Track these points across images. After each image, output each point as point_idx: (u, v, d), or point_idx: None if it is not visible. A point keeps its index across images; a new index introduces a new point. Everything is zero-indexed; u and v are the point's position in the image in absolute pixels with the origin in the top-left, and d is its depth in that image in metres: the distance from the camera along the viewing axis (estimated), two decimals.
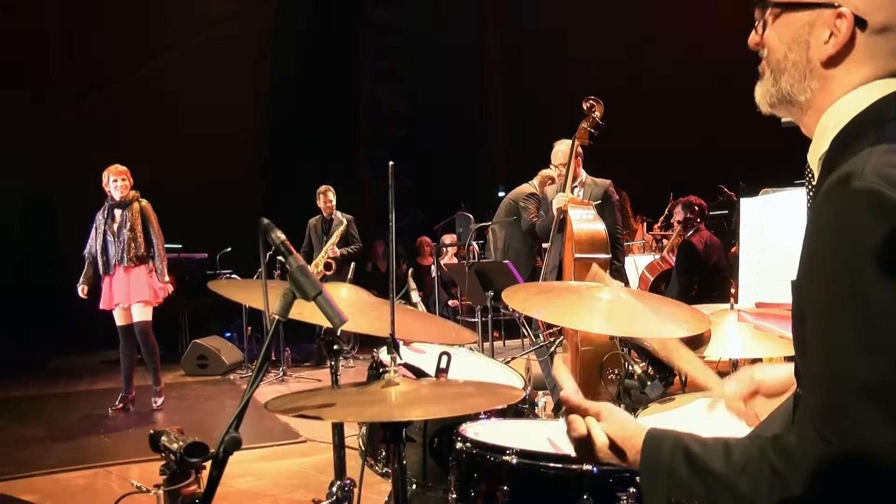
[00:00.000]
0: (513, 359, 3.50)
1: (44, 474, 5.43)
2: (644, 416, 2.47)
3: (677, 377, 2.82)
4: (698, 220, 7.42)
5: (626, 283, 6.68)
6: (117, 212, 7.15)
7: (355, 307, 2.59)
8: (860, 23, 1.28)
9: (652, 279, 8.32)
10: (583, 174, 6.09)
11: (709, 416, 2.38)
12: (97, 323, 8.33)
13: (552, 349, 5.18)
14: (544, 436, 2.23)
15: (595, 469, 1.87)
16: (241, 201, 12.14)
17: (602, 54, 13.09)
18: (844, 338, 1.14)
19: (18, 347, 10.93)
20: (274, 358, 8.75)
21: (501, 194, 9.40)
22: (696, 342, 2.76)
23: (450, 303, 11.38)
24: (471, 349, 3.38)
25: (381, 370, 2.15)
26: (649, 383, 2.52)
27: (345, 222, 9.39)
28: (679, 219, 7.61)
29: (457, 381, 2.43)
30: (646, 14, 13.01)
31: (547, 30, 14.24)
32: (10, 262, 12.35)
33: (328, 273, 9.05)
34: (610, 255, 5.54)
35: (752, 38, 1.43)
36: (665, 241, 9.59)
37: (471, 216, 10.47)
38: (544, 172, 7.37)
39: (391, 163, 2.11)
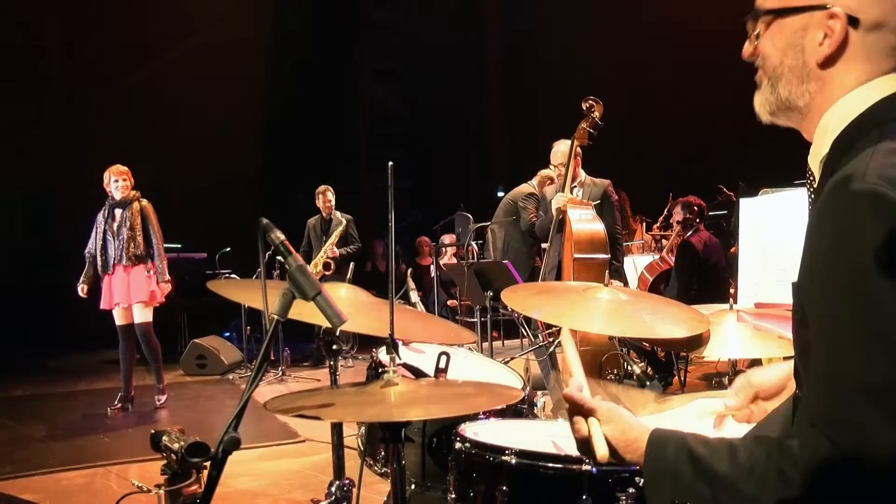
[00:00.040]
0: (512, 359, 3.50)
1: (43, 474, 5.43)
2: (642, 416, 2.47)
3: (676, 377, 2.82)
4: (697, 220, 7.41)
5: (626, 284, 6.70)
6: (117, 211, 7.17)
7: (354, 307, 2.59)
8: (853, 21, 1.28)
9: (651, 279, 8.31)
10: (582, 174, 6.09)
11: (707, 417, 2.39)
12: (96, 322, 8.32)
13: (551, 349, 5.19)
14: (543, 436, 2.23)
15: (594, 469, 1.87)
16: (241, 201, 12.14)
17: (602, 54, 13.09)
18: (847, 339, 1.14)
19: (18, 347, 10.92)
20: (273, 358, 8.75)
21: (501, 194, 9.40)
22: (695, 342, 2.76)
23: (449, 303, 11.37)
24: (470, 349, 3.38)
25: (380, 370, 2.15)
26: (648, 383, 2.52)
27: (344, 222, 9.39)
28: (678, 219, 7.60)
29: (456, 382, 2.43)
30: (646, 14, 13.00)
31: (547, 30, 14.25)
32: (11, 262, 12.36)
33: (327, 273, 9.05)
34: (609, 256, 5.54)
35: (747, 48, 1.44)
36: (664, 241, 9.59)
37: (470, 216, 10.47)
38: (543, 172, 7.37)
39: (390, 163, 2.11)
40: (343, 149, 15.40)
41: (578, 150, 5.92)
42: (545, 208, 6.28)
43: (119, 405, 7.30)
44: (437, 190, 14.78)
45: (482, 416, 2.41)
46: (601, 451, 1.39)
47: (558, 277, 5.75)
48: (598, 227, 5.56)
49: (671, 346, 4.50)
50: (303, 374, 9.04)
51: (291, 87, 14.30)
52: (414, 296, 5.46)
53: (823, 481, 1.15)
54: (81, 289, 7.28)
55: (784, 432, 1.26)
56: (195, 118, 12.15)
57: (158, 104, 12.47)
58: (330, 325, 1.75)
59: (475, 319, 7.87)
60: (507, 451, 1.98)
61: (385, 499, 2.77)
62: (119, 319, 7.20)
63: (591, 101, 5.76)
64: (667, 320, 2.64)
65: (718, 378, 7.16)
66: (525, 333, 6.74)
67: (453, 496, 2.12)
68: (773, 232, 3.98)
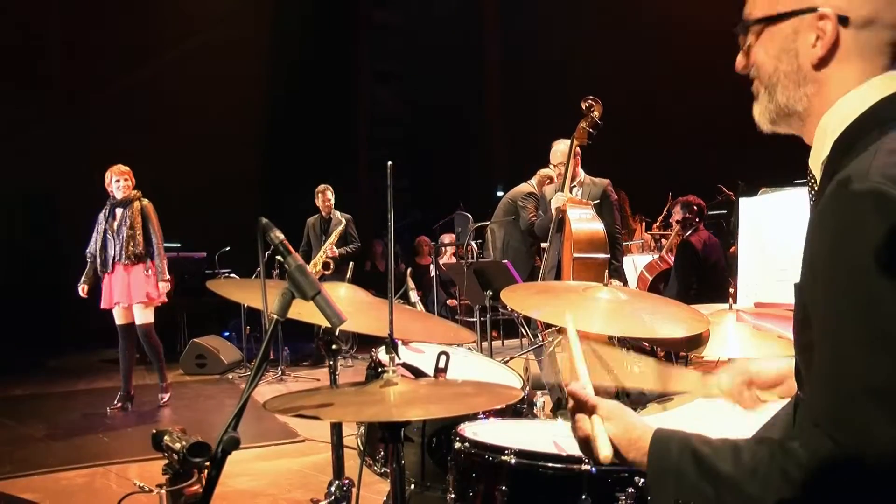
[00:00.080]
0: (511, 358, 3.51)
1: (43, 473, 5.43)
2: (643, 416, 2.47)
3: None
4: (697, 219, 7.41)
5: (625, 283, 6.69)
6: (118, 211, 7.19)
7: (354, 307, 2.59)
8: (843, 21, 1.29)
9: (651, 279, 8.31)
10: (581, 174, 6.09)
11: (708, 416, 2.39)
12: (96, 322, 8.33)
13: (550, 349, 5.19)
14: (543, 436, 2.23)
15: (594, 469, 1.87)
16: (240, 201, 12.13)
17: (602, 54, 13.09)
18: (850, 338, 1.14)
19: (18, 347, 10.92)
20: (272, 357, 8.74)
21: (500, 194, 9.40)
22: (694, 342, 2.76)
23: (448, 302, 11.37)
24: (469, 349, 3.38)
25: (379, 370, 2.14)
26: None
27: (343, 222, 9.39)
28: (678, 218, 7.60)
29: (455, 381, 2.43)
30: (645, 14, 13.00)
31: (547, 30, 14.25)
32: (11, 262, 12.35)
33: (327, 273, 9.05)
34: (608, 255, 5.54)
35: (740, 61, 1.44)
36: (664, 240, 9.59)
37: (469, 216, 10.46)
38: (543, 172, 7.37)
39: (389, 163, 2.11)
40: (343, 149, 15.40)
41: (577, 149, 5.93)
42: (545, 208, 6.28)
43: (119, 405, 7.30)
44: (437, 190, 14.78)
45: (482, 416, 2.41)
46: (605, 452, 1.39)
47: (558, 277, 5.75)
48: (597, 227, 5.55)
49: (671, 346, 4.49)
50: (302, 373, 9.04)
51: (291, 87, 14.29)
52: (413, 295, 5.46)
53: (827, 481, 1.15)
54: (82, 289, 7.29)
55: (787, 433, 1.26)
56: (195, 118, 12.14)
57: (158, 104, 12.47)
58: (329, 325, 1.75)
59: (475, 319, 7.87)
60: (506, 451, 1.98)
61: (385, 498, 2.77)
62: (119, 319, 7.21)
63: (590, 101, 5.76)
64: (666, 320, 2.64)
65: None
66: (525, 333, 6.75)
67: (453, 496, 2.12)
68: (772, 231, 3.98)
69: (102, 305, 7.20)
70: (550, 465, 1.95)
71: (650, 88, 13.30)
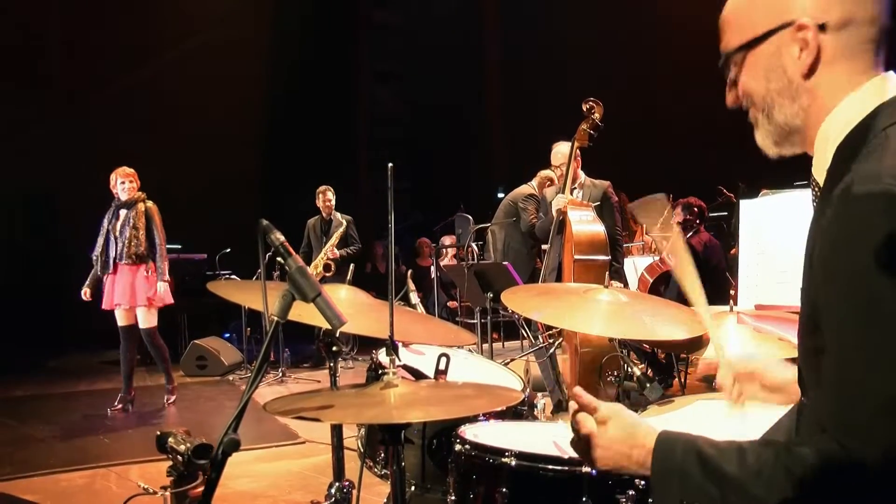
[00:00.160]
0: (512, 360, 3.50)
1: (43, 474, 5.43)
2: (643, 417, 2.47)
3: (676, 379, 2.82)
4: (698, 221, 7.41)
5: (626, 285, 6.69)
6: (122, 212, 7.21)
7: (354, 308, 2.59)
8: (821, 27, 1.30)
9: (651, 281, 8.30)
10: (582, 176, 6.09)
11: (708, 417, 2.38)
12: (97, 323, 8.33)
13: (551, 350, 5.19)
14: (543, 438, 2.23)
15: (594, 471, 1.87)
16: (241, 202, 12.14)
17: (602, 55, 13.09)
18: (860, 342, 1.14)
19: (19, 347, 10.92)
20: (273, 359, 8.74)
21: (501, 195, 9.39)
22: (695, 344, 2.76)
23: (449, 304, 11.37)
24: (470, 351, 3.38)
25: (380, 372, 2.14)
26: (648, 385, 2.52)
27: (344, 223, 9.38)
28: (679, 220, 7.59)
29: (456, 383, 2.43)
30: (645, 14, 13.00)
31: (547, 30, 14.24)
32: (11, 262, 12.36)
33: (327, 274, 9.05)
34: (609, 257, 5.54)
35: (729, 97, 1.46)
36: (664, 242, 9.57)
37: (470, 217, 10.46)
38: (543, 173, 7.37)
39: (390, 164, 2.11)
40: (343, 149, 15.40)
41: (578, 151, 5.92)
42: (545, 210, 6.28)
43: (119, 406, 7.31)
44: (437, 191, 14.78)
45: (482, 418, 2.41)
46: (600, 462, 1.42)
47: (558, 279, 5.75)
48: (598, 229, 5.55)
49: (671, 348, 4.50)
50: (302, 375, 9.04)
51: (291, 87, 14.29)
52: (414, 297, 5.46)
53: (832, 484, 1.16)
54: (84, 293, 7.30)
55: (793, 438, 1.27)
56: (195, 118, 12.15)
57: (158, 104, 12.47)
58: (330, 327, 1.75)
59: (475, 321, 7.86)
60: (506, 453, 1.98)
61: (385, 500, 2.77)
62: (120, 320, 7.22)
63: (591, 103, 5.76)
64: (667, 322, 2.64)
65: None
66: (525, 335, 6.75)
67: (453, 498, 2.12)
68: (773, 233, 3.98)
69: (103, 306, 7.21)
70: (551, 467, 1.94)
71: (650, 88, 13.30)
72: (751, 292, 4.01)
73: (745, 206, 4.35)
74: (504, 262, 6.47)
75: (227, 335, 10.75)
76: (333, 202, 9.51)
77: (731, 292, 3.69)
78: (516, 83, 15.45)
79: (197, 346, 9.50)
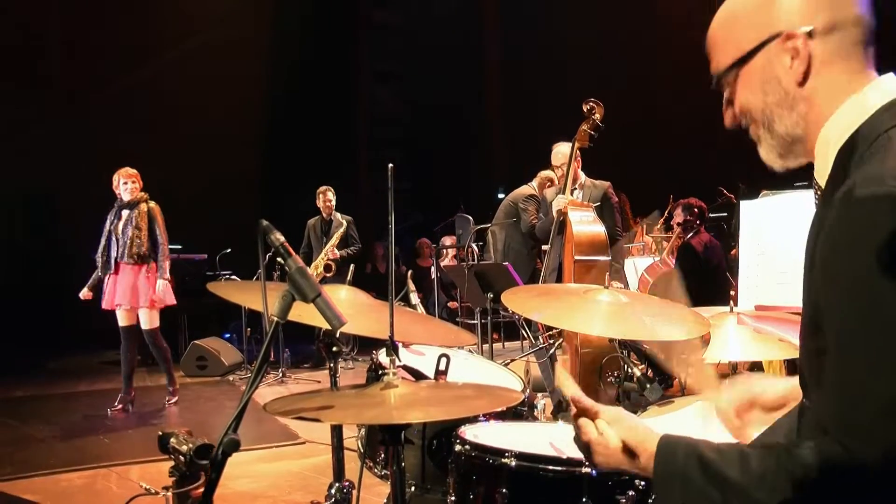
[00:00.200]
0: (512, 361, 3.50)
1: (43, 475, 5.43)
2: (643, 418, 2.47)
3: (676, 380, 2.83)
4: (698, 222, 7.40)
5: (626, 286, 6.69)
6: (125, 212, 7.22)
7: (354, 309, 2.58)
8: (808, 34, 1.31)
9: (651, 281, 8.30)
10: (582, 176, 6.09)
11: (708, 419, 2.38)
12: (97, 323, 8.34)
13: (551, 351, 5.19)
14: (543, 438, 2.23)
15: (594, 472, 1.87)
16: (240, 201, 12.15)
17: (602, 55, 13.09)
18: (862, 344, 1.15)
19: (19, 348, 10.92)
20: (273, 359, 8.74)
21: (501, 196, 9.39)
22: (695, 345, 2.76)
23: (449, 304, 11.37)
24: (470, 351, 3.38)
25: (380, 372, 2.14)
26: (648, 386, 2.52)
27: (344, 224, 9.38)
28: (679, 221, 7.59)
29: (456, 384, 2.43)
30: (646, 14, 13.00)
31: (547, 30, 14.24)
32: (11, 262, 12.36)
33: (328, 275, 9.05)
34: (610, 258, 5.54)
35: (727, 118, 1.46)
36: (665, 243, 9.58)
37: (470, 218, 10.46)
38: (543, 174, 7.37)
39: (390, 165, 2.11)
40: (343, 149, 15.39)
41: (577, 152, 5.92)
42: (545, 210, 6.28)
43: (119, 406, 7.30)
44: (438, 191, 14.77)
45: (482, 419, 2.41)
46: (614, 443, 1.42)
47: (559, 279, 5.75)
48: (598, 229, 5.55)
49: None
50: (303, 375, 9.04)
51: (291, 87, 14.29)
52: (414, 297, 5.45)
53: (836, 487, 1.16)
54: (84, 293, 7.30)
55: (794, 440, 1.27)
56: (195, 118, 12.15)
57: (158, 104, 12.47)
58: (330, 327, 1.75)
59: (475, 321, 7.87)
60: (506, 454, 1.98)
61: (385, 501, 2.77)
62: (121, 320, 7.22)
63: (591, 104, 5.75)
64: (667, 322, 2.64)
65: None
66: (525, 335, 6.74)
67: (453, 498, 2.12)
68: (773, 234, 3.97)
69: (104, 306, 7.21)
70: (551, 467, 1.95)
71: (650, 88, 13.29)
72: (751, 293, 4.01)
73: (746, 206, 4.35)
74: (504, 263, 6.47)
75: (228, 335, 10.75)
76: (334, 202, 9.51)
77: (732, 293, 3.69)
78: (516, 83, 15.44)
79: (197, 347, 9.50)
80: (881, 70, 1.37)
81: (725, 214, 9.93)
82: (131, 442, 6.24)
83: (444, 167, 15.42)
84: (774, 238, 3.95)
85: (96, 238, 7.31)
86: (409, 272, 9.05)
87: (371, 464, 2.69)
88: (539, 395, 2.65)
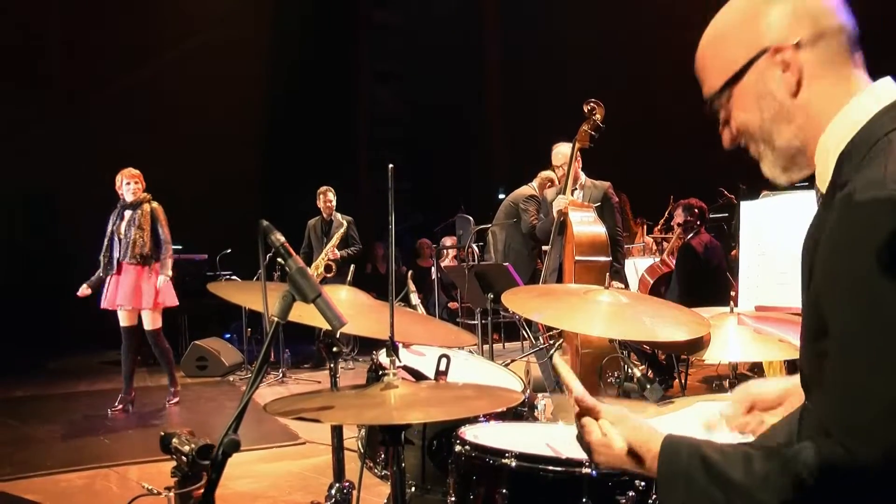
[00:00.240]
0: (512, 361, 3.49)
1: (43, 475, 5.43)
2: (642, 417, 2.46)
3: (676, 380, 2.82)
4: (698, 222, 7.40)
5: (626, 286, 6.69)
6: (127, 213, 7.23)
7: (354, 309, 2.58)
8: (796, 45, 1.33)
9: (652, 282, 8.30)
10: (582, 176, 6.09)
11: (708, 420, 2.38)
12: (96, 323, 8.34)
13: (552, 352, 5.18)
14: (544, 439, 2.23)
15: (594, 472, 1.87)
16: (241, 201, 12.14)
17: (602, 55, 13.08)
18: (864, 347, 1.15)
19: (19, 348, 10.92)
20: (273, 360, 8.74)
21: (501, 196, 9.38)
22: (695, 345, 2.76)
23: (449, 305, 11.37)
24: (470, 352, 3.38)
25: (380, 372, 2.14)
26: (648, 386, 2.52)
27: (345, 224, 9.39)
28: (679, 221, 7.59)
29: (456, 384, 2.43)
30: (646, 14, 12.99)
31: (547, 30, 14.24)
32: (11, 262, 12.36)
33: (328, 275, 9.05)
34: (610, 258, 5.54)
35: (726, 137, 1.48)
36: (665, 243, 9.58)
37: (471, 218, 10.45)
38: (544, 174, 7.37)
39: (391, 165, 2.11)
40: (343, 149, 15.39)
41: (578, 152, 5.92)
42: (546, 210, 6.28)
43: (119, 406, 7.31)
44: (438, 191, 14.77)
45: (482, 419, 2.41)
46: (618, 445, 1.42)
47: (559, 280, 5.75)
48: (599, 230, 5.55)
49: (672, 349, 4.49)
50: (303, 376, 9.04)
51: (291, 87, 14.29)
52: (414, 298, 5.44)
53: (839, 489, 1.17)
54: (82, 290, 7.30)
55: (798, 442, 1.27)
56: (195, 118, 12.15)
57: (158, 104, 12.48)
58: (330, 328, 1.75)
59: (476, 322, 7.86)
60: (507, 454, 1.98)
61: (385, 501, 2.76)
62: (123, 321, 7.23)
63: (592, 104, 5.75)
64: (667, 323, 2.64)
65: (719, 381, 7.15)
66: (526, 336, 6.74)
67: (453, 499, 2.12)
68: (773, 235, 3.98)
69: (103, 306, 7.20)
70: (551, 468, 1.95)
71: (650, 88, 13.29)
72: (751, 293, 4.01)
73: (746, 207, 4.36)
74: (505, 263, 6.47)
75: (228, 336, 10.74)
76: (334, 203, 9.51)
77: (732, 293, 3.69)
78: (516, 83, 15.44)
79: (197, 347, 9.50)
80: (881, 71, 1.37)
81: (726, 215, 9.94)
82: (131, 442, 6.24)
83: (445, 167, 15.42)
84: (775, 238, 3.96)
85: (96, 238, 7.30)
86: (410, 272, 9.03)
87: (371, 464, 2.69)
88: (539, 395, 2.64)
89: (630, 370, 2.60)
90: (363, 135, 16.68)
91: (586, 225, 5.56)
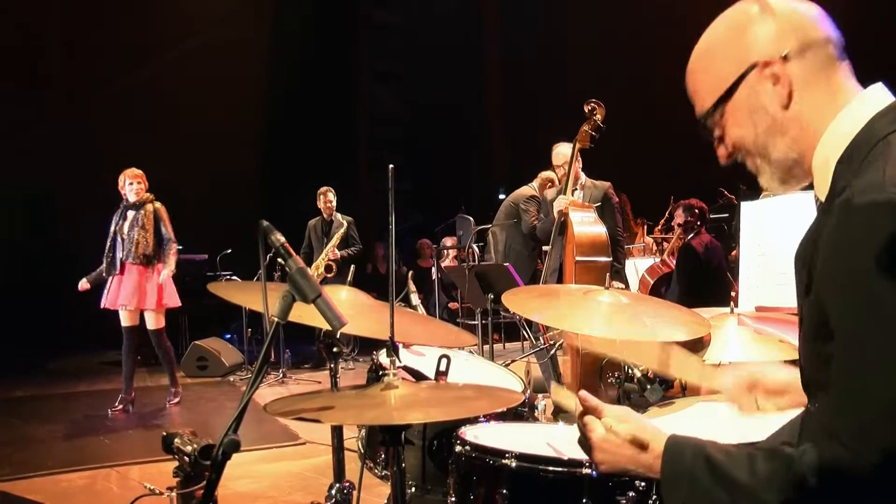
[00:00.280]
0: (513, 361, 3.50)
1: (44, 475, 5.43)
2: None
3: (676, 381, 2.83)
4: (699, 222, 7.39)
5: (627, 286, 6.69)
6: (130, 213, 7.23)
7: (355, 310, 2.58)
8: (784, 59, 1.35)
9: (652, 282, 8.30)
10: (582, 177, 6.09)
11: (708, 420, 2.38)
12: (96, 323, 8.33)
13: (552, 352, 5.19)
14: (544, 439, 2.23)
15: (594, 472, 1.87)
16: (241, 201, 12.15)
17: (602, 55, 13.08)
18: (869, 350, 1.15)
19: (19, 348, 10.92)
20: (273, 360, 8.74)
21: (502, 196, 9.38)
22: (696, 346, 2.76)
23: (450, 305, 11.37)
24: (470, 352, 3.38)
25: (380, 373, 2.14)
26: (649, 387, 2.52)
27: (345, 224, 9.39)
28: (679, 221, 7.58)
29: (456, 384, 2.43)
30: (646, 14, 12.99)
31: (547, 30, 14.23)
32: (11, 262, 12.36)
33: (328, 275, 9.05)
34: (611, 259, 5.54)
35: (722, 153, 1.49)
36: (665, 244, 9.57)
37: (471, 218, 10.45)
38: (544, 175, 7.37)
39: (391, 165, 2.11)
40: (343, 149, 15.39)
41: (578, 152, 5.92)
42: (546, 211, 6.28)
43: (120, 407, 7.30)
44: (438, 191, 14.76)
45: (482, 420, 2.41)
46: (623, 435, 1.43)
47: (560, 280, 5.75)
48: (599, 230, 5.55)
49: None
50: (303, 376, 9.04)
51: (291, 87, 14.28)
52: (415, 298, 5.45)
53: (841, 489, 1.17)
54: (82, 284, 7.30)
55: (801, 443, 1.28)
56: (195, 118, 12.15)
57: (158, 104, 12.48)
58: (330, 328, 1.75)
59: (476, 322, 7.86)
60: (507, 455, 1.98)
61: (385, 501, 2.76)
62: (124, 321, 7.23)
63: (593, 104, 5.75)
64: (668, 323, 2.64)
65: None
66: (526, 336, 6.74)
67: (453, 499, 2.12)
68: (774, 235, 3.98)
69: (107, 305, 7.20)
70: (551, 468, 1.95)
71: (650, 88, 13.27)
72: (751, 294, 4.01)
73: (746, 207, 4.36)
74: (505, 264, 6.47)
75: (228, 336, 10.75)
76: (334, 203, 9.52)
77: (732, 294, 3.69)
78: (516, 83, 15.43)
79: (198, 347, 9.50)
80: (881, 73, 1.38)
81: (726, 215, 9.93)
82: (132, 442, 6.23)
83: (445, 167, 15.41)
84: (775, 239, 3.96)
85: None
86: (410, 273, 9.04)
87: (371, 464, 2.69)
88: (539, 395, 2.64)
89: (630, 371, 2.59)
90: (363, 135, 16.67)
91: (587, 225, 5.56)
